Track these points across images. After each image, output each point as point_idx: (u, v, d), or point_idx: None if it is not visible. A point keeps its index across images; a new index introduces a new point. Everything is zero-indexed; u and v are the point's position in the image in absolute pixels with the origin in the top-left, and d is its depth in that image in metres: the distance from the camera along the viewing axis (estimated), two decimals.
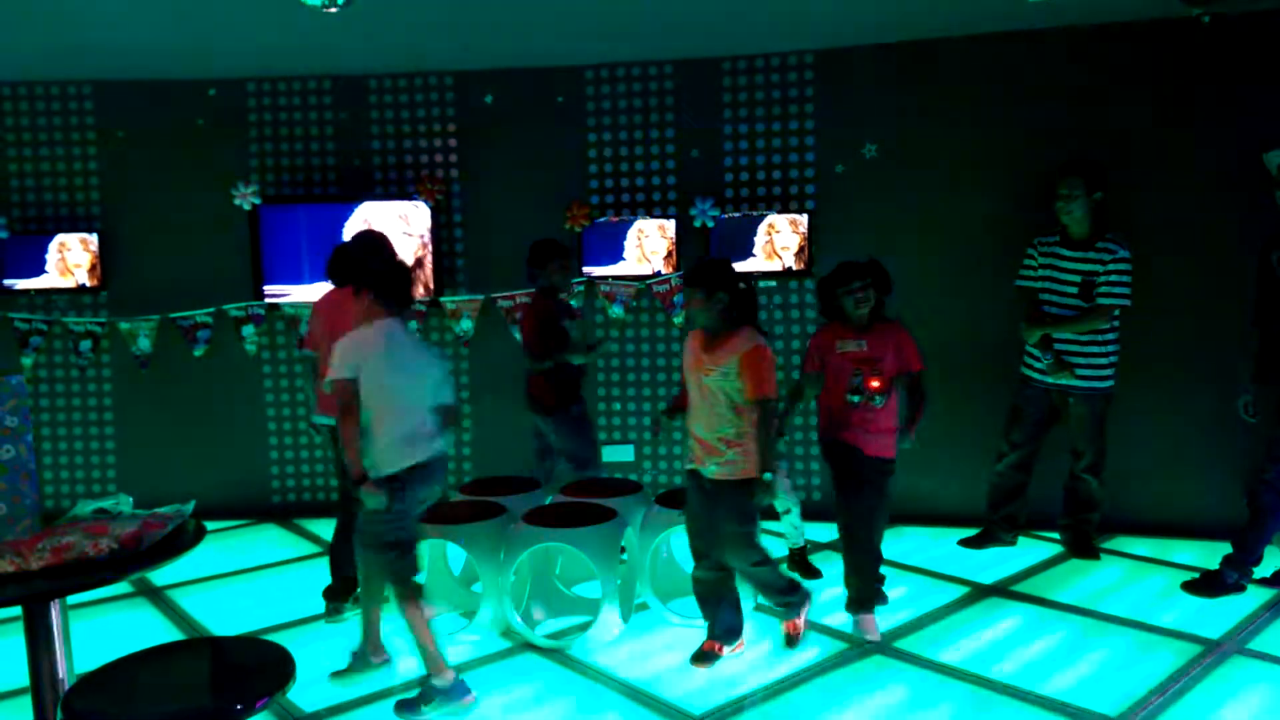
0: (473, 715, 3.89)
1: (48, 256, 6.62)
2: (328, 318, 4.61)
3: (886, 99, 6.22)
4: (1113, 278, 5.27)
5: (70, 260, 6.63)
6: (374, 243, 4.75)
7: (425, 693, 3.84)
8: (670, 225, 6.44)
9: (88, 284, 6.65)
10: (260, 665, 2.54)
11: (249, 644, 2.80)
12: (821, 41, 6.17)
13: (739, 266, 6.28)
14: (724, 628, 4.36)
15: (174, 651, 2.73)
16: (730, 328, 4.10)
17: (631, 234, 6.47)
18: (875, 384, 4.55)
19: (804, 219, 6.26)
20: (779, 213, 6.30)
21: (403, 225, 6.50)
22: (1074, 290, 5.37)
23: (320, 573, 5.65)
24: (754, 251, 6.33)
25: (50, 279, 6.63)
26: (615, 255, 6.50)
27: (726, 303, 4.09)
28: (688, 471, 4.30)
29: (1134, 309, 5.37)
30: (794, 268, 6.31)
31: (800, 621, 4.48)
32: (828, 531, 6.15)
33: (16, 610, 2.82)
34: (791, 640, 4.47)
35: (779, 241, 6.31)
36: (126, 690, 2.47)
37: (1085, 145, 5.77)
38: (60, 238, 6.61)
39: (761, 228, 6.32)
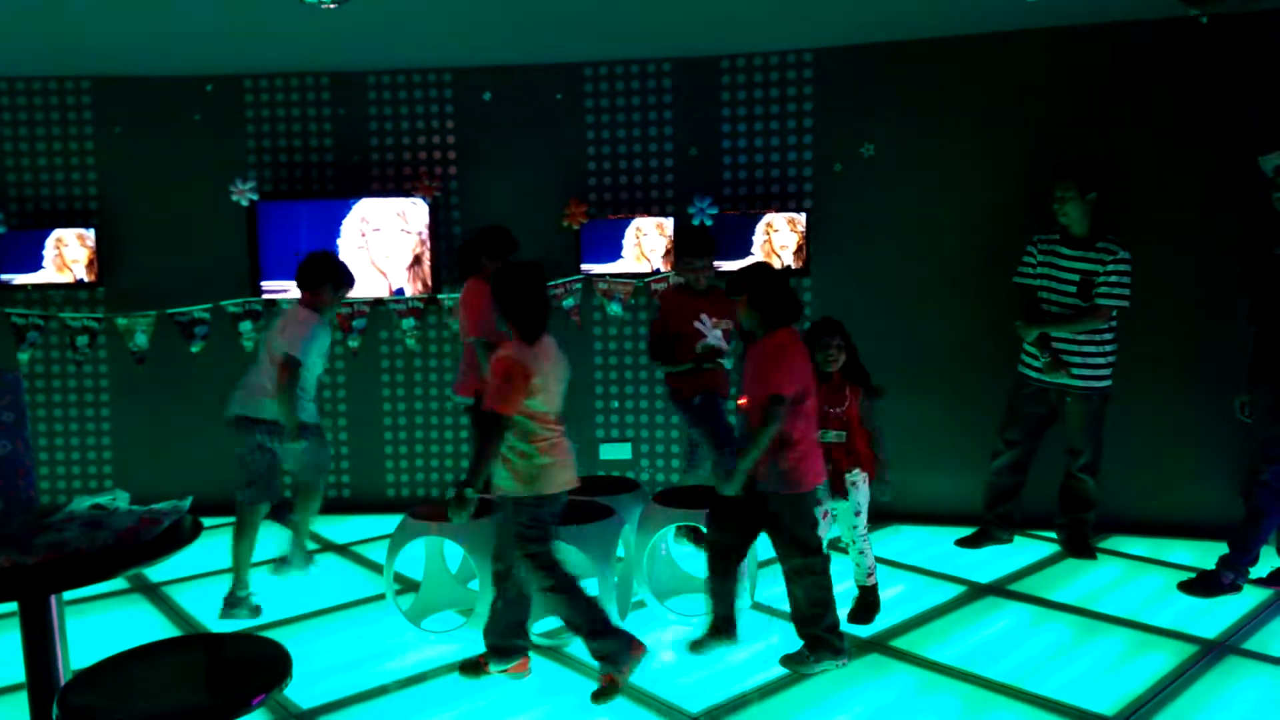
0: (469, 713, 3.88)
1: (44, 252, 6.61)
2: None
3: (885, 98, 6.22)
4: (1113, 278, 5.27)
5: (67, 256, 6.61)
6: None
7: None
8: (668, 223, 6.43)
9: (85, 279, 6.64)
10: (256, 662, 2.54)
11: (245, 640, 2.79)
12: (820, 40, 6.16)
13: (738, 264, 6.33)
14: (490, 642, 4.20)
15: (170, 648, 2.73)
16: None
17: (629, 232, 6.47)
18: (741, 401, 4.32)
19: (802, 218, 6.26)
20: (777, 211, 6.30)
21: (400, 223, 6.50)
22: (1073, 289, 5.38)
23: (318, 568, 5.65)
24: (752, 250, 6.33)
25: (47, 274, 6.62)
26: (614, 253, 6.49)
27: (501, 310, 3.98)
28: None
29: (1131, 309, 5.37)
30: (793, 266, 6.30)
31: (619, 676, 3.92)
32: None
33: (13, 605, 2.81)
34: (601, 694, 3.92)
35: (777, 240, 6.30)
36: (122, 687, 2.46)
37: (1084, 144, 5.78)
38: (57, 233, 6.59)
39: (760, 226, 6.31)
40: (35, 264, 6.61)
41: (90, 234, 6.59)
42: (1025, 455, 5.70)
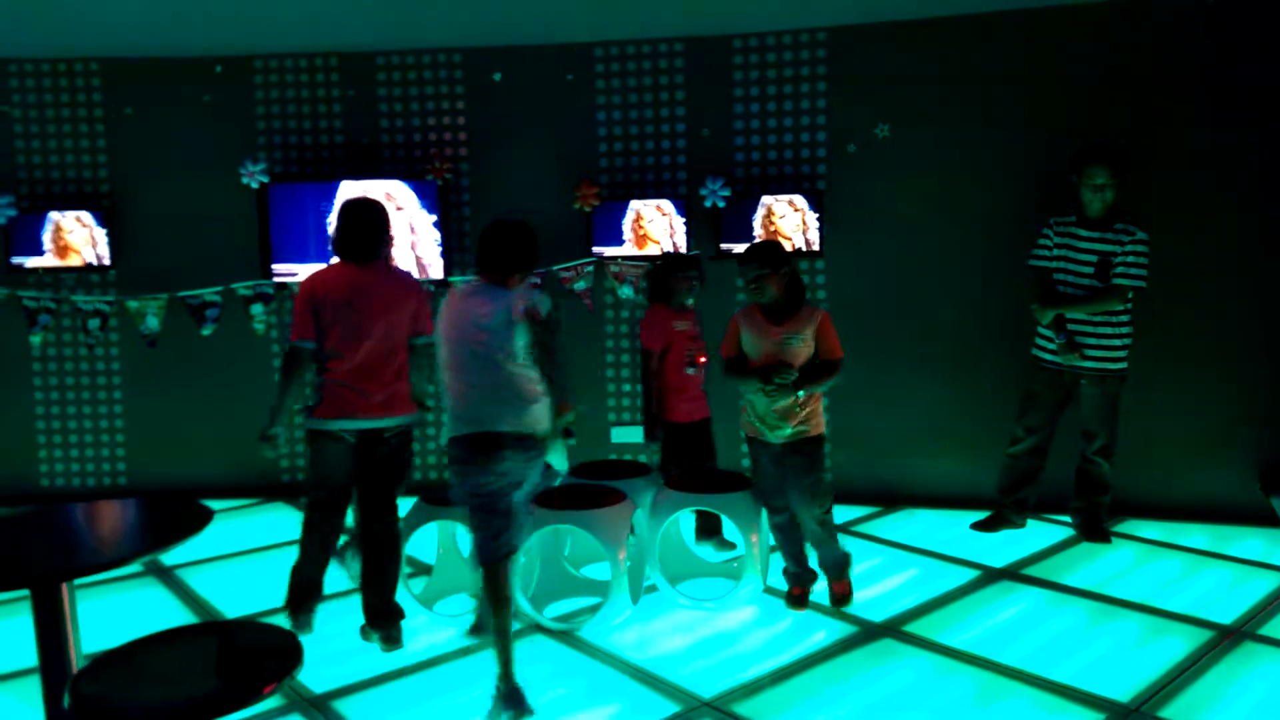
0: (480, 697, 3.88)
1: (43, 237, 6.59)
2: None
3: (900, 78, 6.14)
4: (1130, 259, 5.23)
5: (74, 240, 6.60)
6: None
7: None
8: (667, 205, 6.39)
9: (95, 263, 6.63)
10: (268, 649, 2.53)
11: (257, 628, 2.79)
12: (834, 18, 6.10)
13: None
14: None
15: (182, 636, 2.72)
16: None
17: (628, 217, 6.43)
18: (702, 359, 5.33)
19: (800, 199, 6.22)
20: (791, 193, 6.25)
21: (390, 203, 6.46)
22: (1089, 270, 5.33)
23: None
24: (754, 233, 6.29)
25: (48, 260, 6.61)
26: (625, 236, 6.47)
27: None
28: None
29: (1148, 290, 5.32)
30: (802, 249, 6.25)
31: None
32: (836, 513, 6.13)
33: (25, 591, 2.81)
34: None
35: (785, 224, 6.26)
36: (134, 675, 2.46)
37: (1102, 125, 5.72)
38: (54, 217, 6.58)
39: (759, 210, 6.26)
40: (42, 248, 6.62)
41: (88, 215, 6.58)
42: (1044, 440, 5.65)
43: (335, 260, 4.37)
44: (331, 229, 4.58)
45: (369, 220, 4.30)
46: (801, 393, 4.40)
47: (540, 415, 3.74)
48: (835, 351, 4.45)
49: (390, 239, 4.46)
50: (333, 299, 4.20)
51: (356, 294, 4.22)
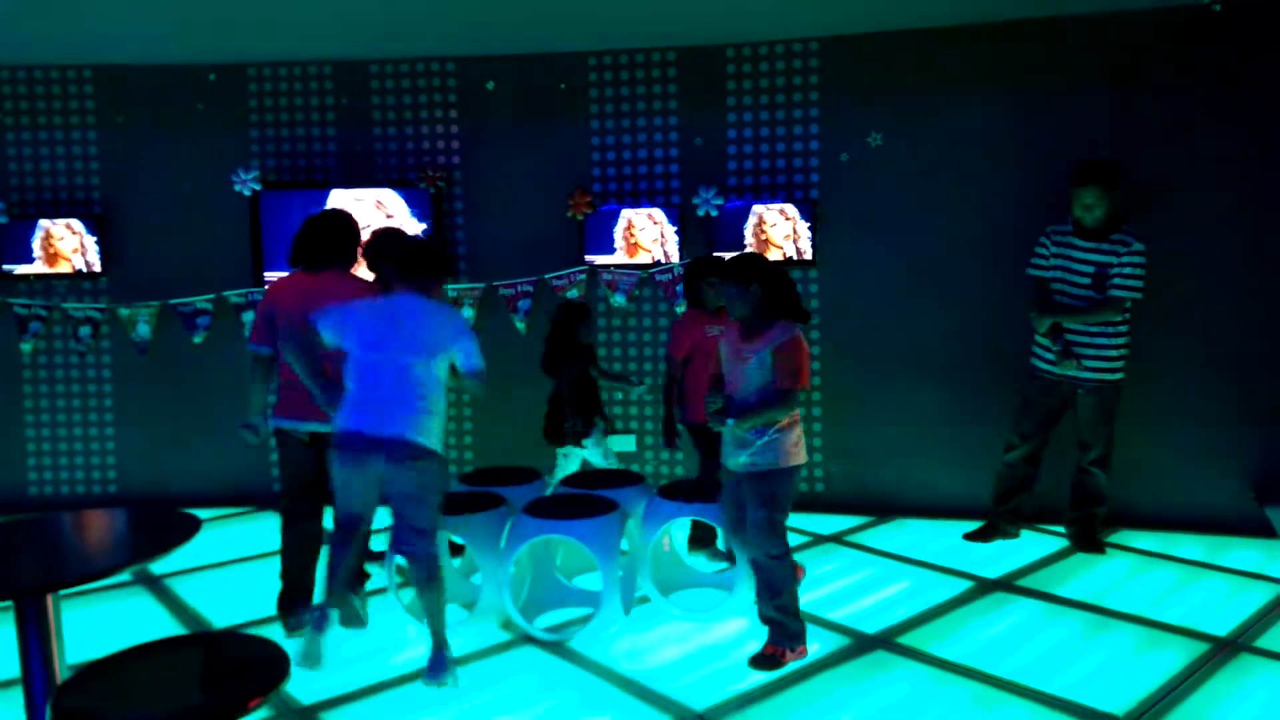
0: (471, 709, 3.85)
1: (33, 244, 6.56)
2: None
3: (892, 87, 6.14)
4: (1126, 269, 5.22)
5: (63, 248, 6.56)
6: None
7: None
8: (659, 213, 6.38)
9: (85, 270, 6.60)
10: (254, 662, 2.50)
11: (243, 641, 2.76)
12: (827, 28, 6.10)
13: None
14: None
15: (167, 648, 2.69)
16: None
17: (620, 225, 6.42)
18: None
19: (791, 208, 6.21)
20: (784, 201, 6.24)
21: (379, 211, 6.45)
22: (1086, 281, 5.32)
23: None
24: (745, 242, 6.29)
25: (38, 267, 6.58)
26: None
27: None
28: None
29: (1145, 301, 5.31)
30: (793, 257, 6.24)
31: None
32: (827, 523, 6.12)
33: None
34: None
35: (775, 233, 6.25)
36: (118, 688, 2.42)
37: (1095, 134, 5.72)
38: (44, 224, 6.55)
39: (771, 216, 6.26)
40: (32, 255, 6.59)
41: (78, 223, 6.55)
42: (1038, 449, 5.64)
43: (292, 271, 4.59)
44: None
45: (322, 230, 4.51)
46: (730, 422, 4.01)
47: (431, 427, 3.94)
48: (787, 379, 3.99)
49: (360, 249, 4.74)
50: (282, 305, 4.37)
51: (304, 299, 4.33)
